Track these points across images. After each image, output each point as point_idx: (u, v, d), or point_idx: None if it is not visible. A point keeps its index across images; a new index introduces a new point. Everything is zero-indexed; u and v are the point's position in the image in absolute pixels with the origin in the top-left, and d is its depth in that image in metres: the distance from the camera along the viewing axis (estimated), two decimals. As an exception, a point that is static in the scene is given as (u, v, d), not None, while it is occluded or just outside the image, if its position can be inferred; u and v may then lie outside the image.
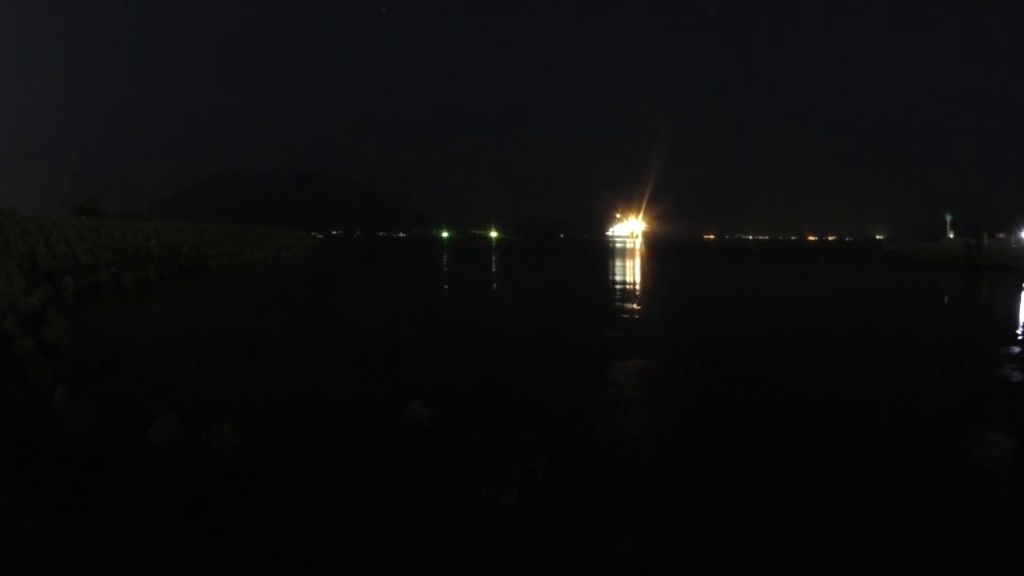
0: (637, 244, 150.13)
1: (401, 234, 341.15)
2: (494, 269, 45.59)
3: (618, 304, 22.01)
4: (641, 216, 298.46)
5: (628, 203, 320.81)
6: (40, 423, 7.16)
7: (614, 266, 49.35)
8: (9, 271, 18.11)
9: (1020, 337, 14.87)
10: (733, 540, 4.88)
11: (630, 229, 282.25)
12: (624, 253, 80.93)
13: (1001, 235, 49.28)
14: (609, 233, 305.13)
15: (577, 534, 4.91)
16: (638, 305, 21.94)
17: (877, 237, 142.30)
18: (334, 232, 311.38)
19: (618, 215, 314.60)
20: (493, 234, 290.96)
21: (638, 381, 10.36)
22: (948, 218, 63.07)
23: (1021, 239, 47.14)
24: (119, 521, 4.94)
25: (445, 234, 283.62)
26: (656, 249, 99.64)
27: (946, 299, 26.03)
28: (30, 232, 25.13)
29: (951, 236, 60.19)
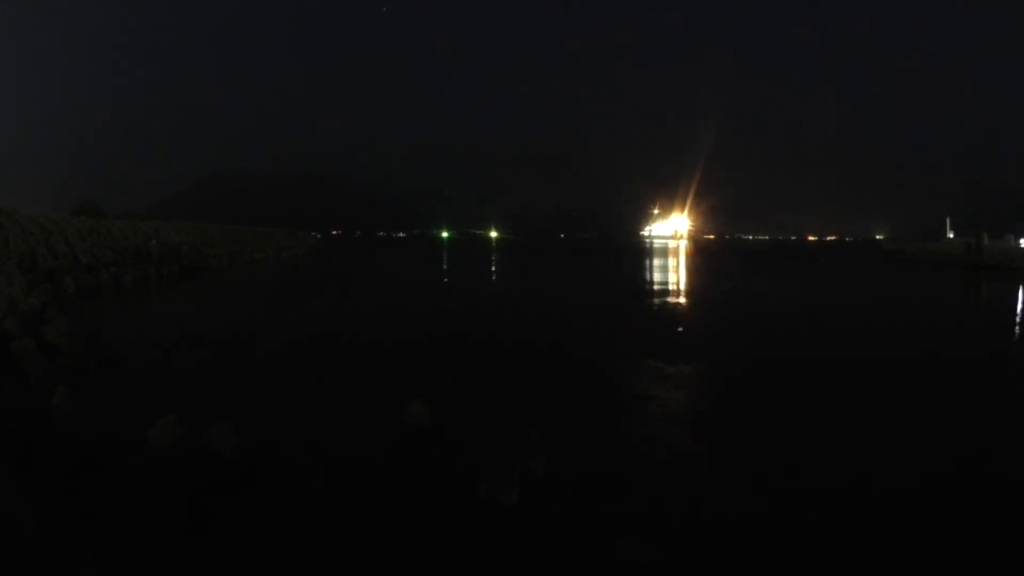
0: (682, 245, 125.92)
1: (401, 234, 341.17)
2: (492, 268, 45.59)
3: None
4: (686, 212, 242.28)
5: (655, 199, 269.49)
6: (40, 423, 7.17)
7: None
8: (9, 271, 18.13)
9: None
10: (734, 540, 4.88)
11: (673, 227, 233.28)
12: (666, 260, 60.02)
13: (1008, 236, 49.14)
14: (645, 232, 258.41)
15: (577, 534, 4.92)
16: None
17: (877, 237, 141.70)
18: (334, 232, 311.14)
19: (655, 210, 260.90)
20: (493, 234, 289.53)
21: (641, 380, 10.36)
22: (948, 218, 63.11)
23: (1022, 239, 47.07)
24: (119, 521, 4.94)
25: (445, 234, 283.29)
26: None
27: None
28: (30, 232, 25.13)
29: (951, 236, 60.21)
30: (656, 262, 55.25)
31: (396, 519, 5.11)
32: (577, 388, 9.59)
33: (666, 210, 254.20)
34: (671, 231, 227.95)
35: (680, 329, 16.34)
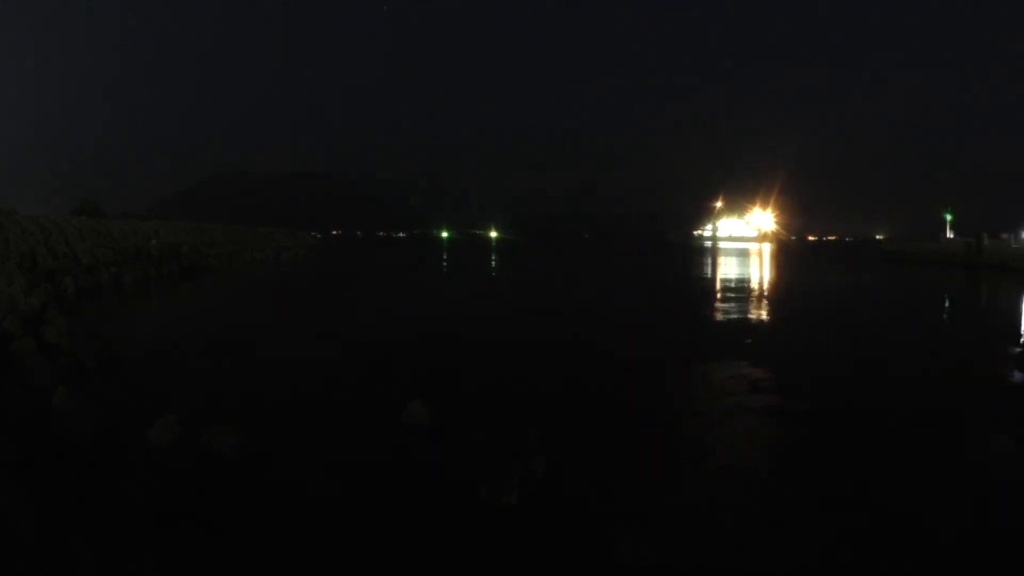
0: (766, 250, 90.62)
1: (401, 234, 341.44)
2: (492, 263, 45.59)
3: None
4: (770, 208, 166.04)
5: (719, 193, 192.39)
6: (40, 423, 7.17)
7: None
8: (9, 271, 18.12)
9: None
10: (733, 539, 4.88)
11: (757, 226, 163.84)
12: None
13: (1004, 235, 49.11)
14: (703, 232, 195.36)
15: (577, 534, 4.91)
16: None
17: (877, 237, 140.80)
18: (334, 232, 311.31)
19: (717, 204, 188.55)
20: (493, 234, 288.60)
21: (638, 378, 10.36)
22: (948, 218, 63.02)
23: (1022, 239, 47.04)
24: (119, 521, 4.94)
25: (445, 234, 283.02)
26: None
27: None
28: (30, 232, 25.12)
29: (951, 236, 60.16)
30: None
31: (396, 519, 5.11)
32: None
33: (732, 205, 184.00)
34: (752, 230, 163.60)
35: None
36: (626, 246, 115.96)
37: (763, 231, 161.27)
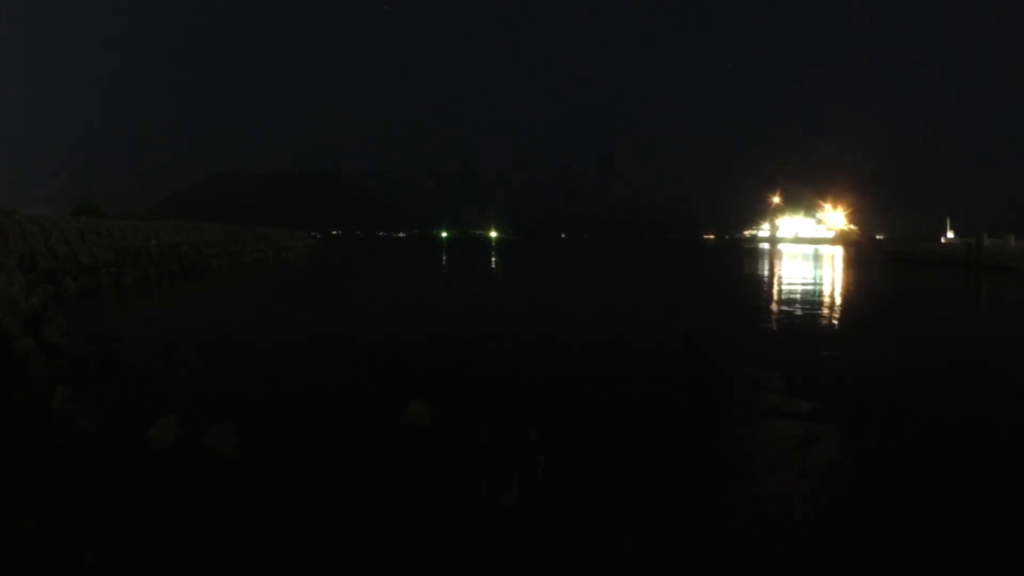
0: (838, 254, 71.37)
1: (401, 234, 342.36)
2: (492, 260, 45.55)
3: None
4: (842, 207, 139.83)
5: (776, 188, 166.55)
6: (40, 423, 7.16)
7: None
8: (9, 271, 18.12)
9: None
10: (733, 539, 4.88)
11: (832, 224, 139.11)
12: None
13: (1011, 236, 48.94)
14: (757, 232, 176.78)
15: (577, 534, 4.91)
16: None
17: (877, 237, 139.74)
18: (334, 232, 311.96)
19: (775, 199, 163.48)
20: (492, 234, 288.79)
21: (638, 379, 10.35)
22: (948, 218, 63.14)
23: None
24: (119, 521, 4.93)
25: (444, 234, 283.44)
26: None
27: None
28: (30, 232, 25.12)
29: (951, 236, 60.23)
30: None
31: (396, 519, 5.11)
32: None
33: (790, 202, 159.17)
34: (826, 230, 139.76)
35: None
36: (630, 246, 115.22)
37: (840, 230, 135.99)
